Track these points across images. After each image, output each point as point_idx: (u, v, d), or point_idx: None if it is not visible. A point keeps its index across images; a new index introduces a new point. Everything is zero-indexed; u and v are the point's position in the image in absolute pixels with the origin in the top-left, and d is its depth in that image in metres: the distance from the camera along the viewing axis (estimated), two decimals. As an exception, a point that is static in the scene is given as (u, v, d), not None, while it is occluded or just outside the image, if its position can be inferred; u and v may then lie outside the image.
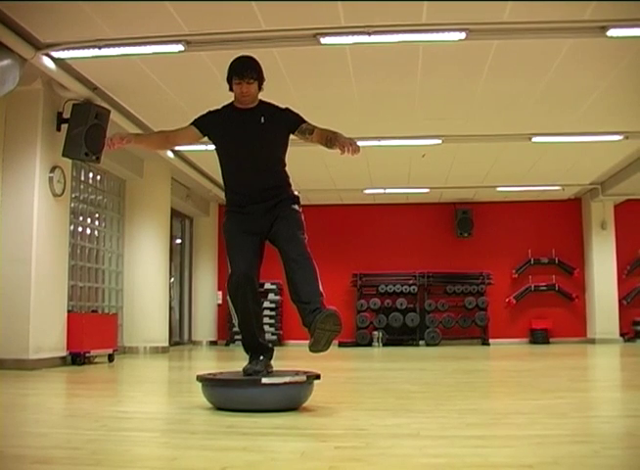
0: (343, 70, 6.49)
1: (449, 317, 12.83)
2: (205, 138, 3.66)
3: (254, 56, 3.58)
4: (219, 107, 3.64)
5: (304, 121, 3.51)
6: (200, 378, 3.45)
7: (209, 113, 3.63)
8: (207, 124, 3.59)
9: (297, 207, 3.57)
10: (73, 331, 6.97)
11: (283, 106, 3.61)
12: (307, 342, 3.28)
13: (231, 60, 3.54)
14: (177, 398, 4.58)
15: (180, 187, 11.38)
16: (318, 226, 12.12)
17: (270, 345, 3.65)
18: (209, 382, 3.42)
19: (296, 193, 3.64)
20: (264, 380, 3.28)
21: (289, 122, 3.53)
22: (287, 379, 3.30)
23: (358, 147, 3.29)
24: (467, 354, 9.50)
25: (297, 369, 3.69)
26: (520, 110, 7.72)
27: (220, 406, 3.36)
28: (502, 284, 13.12)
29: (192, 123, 3.62)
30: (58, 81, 6.44)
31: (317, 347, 3.23)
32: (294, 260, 3.37)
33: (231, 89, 3.53)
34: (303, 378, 3.35)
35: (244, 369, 3.47)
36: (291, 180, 3.65)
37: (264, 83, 3.55)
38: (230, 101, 3.61)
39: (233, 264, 3.43)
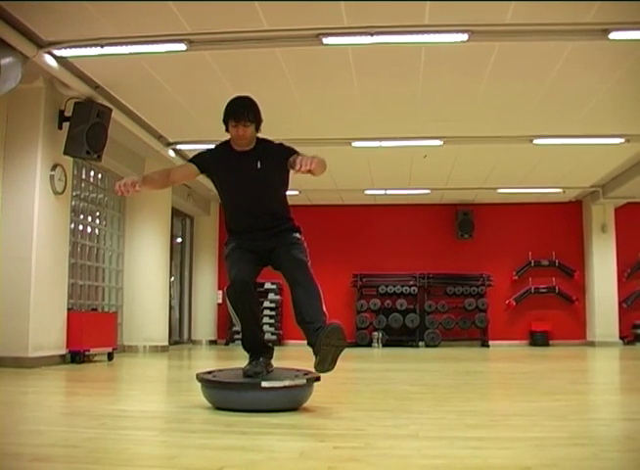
0: (346, 70, 6.49)
1: (449, 319, 12.83)
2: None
3: (252, 96, 3.52)
4: (217, 144, 3.61)
5: (294, 153, 3.41)
6: (199, 378, 3.45)
7: (208, 151, 3.63)
8: (205, 164, 3.58)
9: (298, 235, 3.59)
10: (73, 329, 6.97)
11: (277, 141, 3.55)
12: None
13: (228, 101, 3.49)
14: (176, 396, 4.57)
15: (181, 186, 11.34)
16: (319, 226, 12.18)
17: (270, 344, 3.68)
18: (209, 383, 3.41)
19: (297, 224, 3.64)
20: (264, 384, 3.25)
21: (282, 159, 3.44)
22: (286, 383, 3.28)
23: (311, 160, 3.15)
24: (466, 356, 9.50)
25: (297, 368, 3.69)
26: (521, 112, 7.72)
27: (219, 407, 3.36)
28: (502, 286, 13.12)
29: (190, 161, 3.63)
30: (60, 79, 6.44)
31: (323, 365, 3.20)
32: (299, 283, 3.37)
33: (227, 130, 3.48)
34: (303, 381, 3.33)
35: (244, 370, 3.47)
36: (292, 214, 3.64)
37: (262, 125, 3.50)
38: (227, 139, 3.57)
39: (230, 274, 3.45)
